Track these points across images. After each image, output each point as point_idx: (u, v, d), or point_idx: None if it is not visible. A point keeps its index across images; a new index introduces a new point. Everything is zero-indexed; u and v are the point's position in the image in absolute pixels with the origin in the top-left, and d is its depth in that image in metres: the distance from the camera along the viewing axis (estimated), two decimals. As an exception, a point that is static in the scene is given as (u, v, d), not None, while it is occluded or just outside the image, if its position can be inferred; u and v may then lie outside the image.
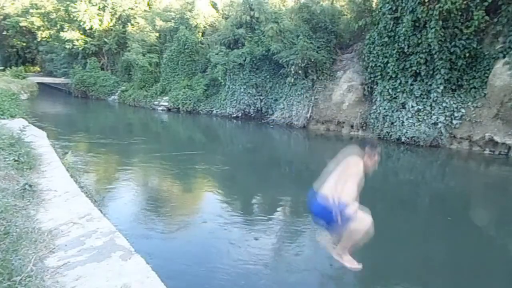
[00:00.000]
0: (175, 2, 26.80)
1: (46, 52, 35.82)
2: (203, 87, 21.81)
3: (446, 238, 5.91)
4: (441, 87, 12.60)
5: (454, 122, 12.45)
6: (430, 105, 12.92)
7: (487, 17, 11.61)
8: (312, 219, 3.63)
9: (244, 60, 18.48)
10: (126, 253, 2.84)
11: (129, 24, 28.76)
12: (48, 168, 5.14)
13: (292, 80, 16.90)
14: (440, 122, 12.63)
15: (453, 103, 12.52)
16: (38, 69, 43.62)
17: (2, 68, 30.43)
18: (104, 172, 10.20)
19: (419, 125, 13.00)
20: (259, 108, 19.13)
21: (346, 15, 17.54)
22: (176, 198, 7.99)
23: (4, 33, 39.62)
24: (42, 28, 34.11)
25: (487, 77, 11.86)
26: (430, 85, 12.94)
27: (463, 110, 12.35)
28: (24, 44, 41.06)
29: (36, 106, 22.80)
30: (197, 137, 17.41)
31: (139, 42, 26.25)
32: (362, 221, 3.06)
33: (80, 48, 30.27)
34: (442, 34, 12.05)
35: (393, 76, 13.82)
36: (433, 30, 12.01)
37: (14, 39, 40.53)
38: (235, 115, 19.64)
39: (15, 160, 4.83)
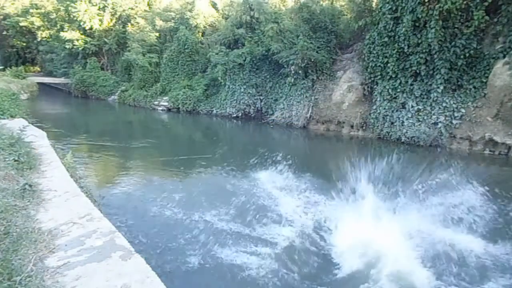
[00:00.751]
0: (175, 2, 26.79)
1: (46, 52, 35.82)
2: (203, 87, 21.81)
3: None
4: (441, 87, 12.60)
5: (454, 122, 12.45)
6: (430, 105, 12.92)
7: (487, 17, 11.61)
8: None
9: (244, 60, 18.48)
10: (126, 253, 2.83)
11: (129, 24, 28.76)
12: (48, 168, 5.14)
13: (292, 80, 16.91)
14: (440, 122, 12.63)
15: (453, 103, 12.52)
16: (38, 69, 43.60)
17: (2, 68, 30.39)
18: (104, 172, 10.20)
19: (419, 125, 13.00)
20: (259, 108, 19.13)
21: (346, 15, 17.54)
22: (178, 200, 7.89)
23: (4, 33, 39.63)
24: (42, 28, 34.11)
25: (487, 77, 11.86)
26: (430, 85, 12.94)
27: (463, 110, 12.35)
28: (24, 44, 41.06)
29: (36, 106, 22.81)
30: (199, 137, 17.40)
31: (139, 42, 26.24)
32: None
33: (80, 48, 30.26)
34: (442, 34, 12.05)
35: (393, 76, 13.82)
36: (433, 30, 12.01)
37: (14, 39, 40.53)
38: (235, 115, 19.64)
39: (15, 160, 4.83)
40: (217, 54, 19.47)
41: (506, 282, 4.84)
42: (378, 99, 14.41)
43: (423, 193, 6.94)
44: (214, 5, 25.98)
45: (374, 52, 14.45)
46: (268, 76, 18.83)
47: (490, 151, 11.96)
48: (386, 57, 14.00)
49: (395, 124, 13.77)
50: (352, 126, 15.60)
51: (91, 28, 29.58)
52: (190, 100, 21.78)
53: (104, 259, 2.74)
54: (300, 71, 16.48)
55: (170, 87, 23.91)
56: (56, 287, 2.40)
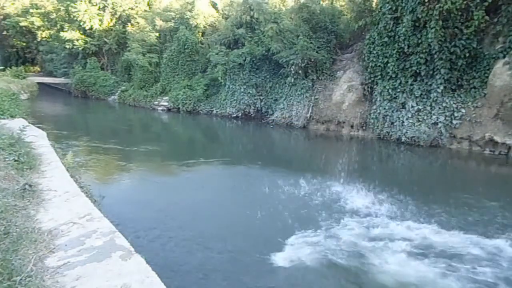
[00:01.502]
0: (175, 2, 26.79)
1: (46, 52, 35.81)
2: (203, 87, 21.81)
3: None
4: (441, 87, 12.60)
5: (454, 122, 12.44)
6: (430, 105, 12.92)
7: (487, 17, 11.61)
8: None
9: (244, 60, 18.48)
10: (126, 253, 2.83)
11: (129, 24, 28.77)
12: (48, 168, 5.13)
13: (292, 80, 16.90)
14: (440, 122, 12.63)
15: (453, 103, 12.52)
16: (38, 69, 43.60)
17: (2, 68, 30.38)
18: (104, 172, 10.20)
19: (419, 125, 13.00)
20: (259, 108, 19.13)
21: (346, 15, 17.55)
22: (181, 203, 7.80)
23: (4, 33, 39.62)
24: (42, 28, 34.12)
25: (487, 77, 11.86)
26: (430, 85, 12.94)
27: (463, 110, 12.35)
28: (24, 44, 41.06)
29: (36, 106, 22.81)
30: (200, 138, 17.40)
31: (139, 42, 26.24)
32: None
33: (80, 48, 30.26)
34: (442, 34, 12.05)
35: (393, 76, 13.82)
36: (433, 30, 12.01)
37: (14, 39, 40.53)
38: (235, 115, 19.63)
39: (15, 160, 4.82)
40: (217, 54, 19.47)
41: None
42: (378, 99, 14.41)
43: None
44: (214, 5, 25.98)
45: (374, 52, 14.45)
46: (268, 76, 18.83)
47: (490, 151, 11.96)
48: (386, 57, 14.00)
49: (395, 124, 13.77)
50: (352, 126, 15.59)
51: (91, 28, 29.58)
52: (190, 100, 21.78)
53: (104, 259, 2.74)
54: (300, 71, 16.48)
55: (170, 87, 23.92)
56: (56, 287, 2.40)
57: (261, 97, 18.96)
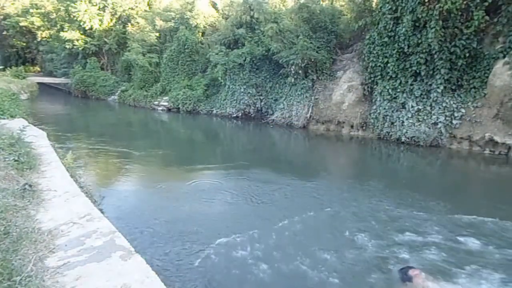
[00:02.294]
0: (175, 2, 26.80)
1: (46, 52, 35.83)
2: (203, 87, 21.82)
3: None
4: (441, 87, 12.60)
5: (454, 122, 12.45)
6: (430, 105, 12.92)
7: (487, 17, 11.60)
8: None
9: (244, 60, 18.48)
10: (126, 253, 2.83)
11: (129, 24, 28.77)
12: (48, 168, 5.14)
13: (292, 80, 16.91)
14: (440, 122, 12.63)
15: (453, 103, 12.52)
16: (38, 69, 43.62)
17: (2, 68, 30.41)
18: (105, 172, 10.20)
19: (419, 125, 13.01)
20: (259, 108, 19.13)
21: (346, 15, 17.54)
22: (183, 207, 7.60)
23: (4, 33, 39.63)
24: (42, 28, 34.14)
25: (487, 77, 11.86)
26: (430, 85, 12.95)
27: (463, 110, 12.35)
28: (24, 44, 41.08)
29: (36, 106, 22.81)
30: (200, 137, 17.40)
31: (139, 42, 26.26)
32: None
33: (80, 48, 30.27)
34: (442, 34, 12.05)
35: (393, 76, 13.82)
36: (433, 30, 12.01)
37: (14, 39, 40.54)
38: (235, 115, 19.64)
39: (15, 160, 4.83)
40: (217, 54, 19.47)
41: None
42: (378, 99, 14.41)
43: None
44: (214, 5, 25.99)
45: (374, 52, 14.45)
46: (268, 76, 18.83)
47: (490, 151, 11.97)
48: (386, 57, 14.01)
49: (395, 124, 13.77)
50: (352, 126, 15.60)
51: (91, 28, 29.59)
52: (190, 100, 21.78)
53: (104, 259, 2.74)
54: (300, 71, 16.48)
55: (170, 87, 23.93)
56: (56, 287, 2.40)
57: (261, 97, 18.96)
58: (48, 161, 5.45)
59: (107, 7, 29.75)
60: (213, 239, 5.65)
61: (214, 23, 24.48)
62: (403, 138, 13.37)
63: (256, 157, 12.62)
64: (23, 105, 13.27)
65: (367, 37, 15.06)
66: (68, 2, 30.14)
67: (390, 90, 13.91)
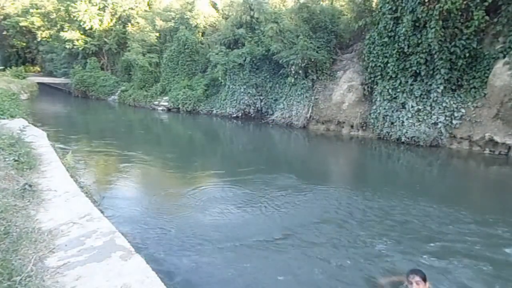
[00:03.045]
0: (175, 2, 26.82)
1: (46, 52, 35.84)
2: (203, 87, 21.82)
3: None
4: (441, 87, 12.60)
5: (454, 122, 12.45)
6: (430, 105, 12.92)
7: (487, 17, 11.61)
8: None
9: (244, 60, 18.48)
10: (126, 253, 2.84)
11: (129, 24, 28.79)
12: (48, 168, 5.14)
13: (292, 80, 16.90)
14: (440, 122, 12.63)
15: (453, 103, 12.52)
16: (38, 69, 43.63)
17: (2, 68, 30.45)
18: (105, 172, 10.19)
19: (419, 125, 13.00)
20: (259, 108, 19.13)
21: (346, 15, 17.54)
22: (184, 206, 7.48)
23: (4, 33, 39.64)
24: (42, 28, 34.14)
25: (487, 77, 11.86)
26: (430, 85, 12.94)
27: (463, 110, 12.35)
28: (24, 44, 41.09)
29: (36, 106, 22.81)
30: (199, 137, 17.39)
31: (139, 42, 26.27)
32: None
33: (80, 48, 30.29)
34: (442, 34, 12.05)
35: (393, 76, 13.82)
36: (433, 30, 12.01)
37: (14, 39, 40.55)
38: (235, 115, 19.64)
39: (15, 160, 4.83)
40: (217, 54, 19.48)
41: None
42: (378, 99, 14.41)
43: None
44: (214, 5, 26.00)
45: (374, 52, 14.45)
46: (268, 76, 18.83)
47: (490, 151, 11.96)
48: (386, 57, 14.00)
49: (395, 124, 13.76)
50: (352, 126, 15.60)
51: (91, 28, 29.61)
52: (190, 100, 21.79)
53: (104, 259, 2.74)
54: (300, 71, 16.48)
55: (170, 87, 23.93)
56: (56, 287, 2.40)
57: (261, 97, 18.96)
58: (48, 161, 5.46)
59: (107, 7, 29.77)
60: (214, 240, 5.58)
61: (214, 23, 24.49)
62: (403, 138, 13.37)
63: (256, 158, 12.62)
64: (23, 105, 13.29)
65: (367, 37, 15.06)
66: (68, 2, 30.16)
67: (390, 90, 13.91)
